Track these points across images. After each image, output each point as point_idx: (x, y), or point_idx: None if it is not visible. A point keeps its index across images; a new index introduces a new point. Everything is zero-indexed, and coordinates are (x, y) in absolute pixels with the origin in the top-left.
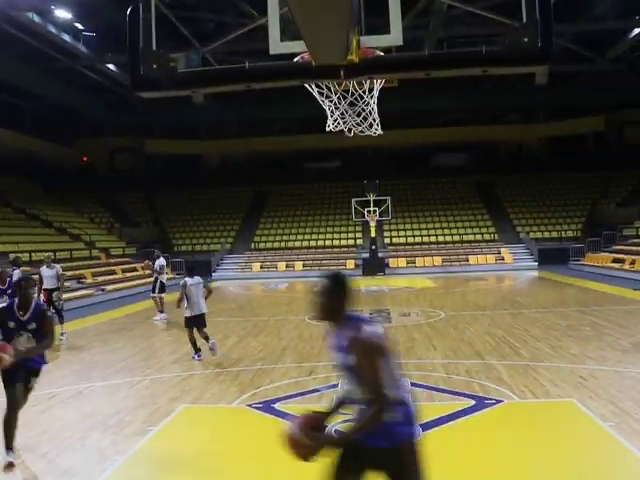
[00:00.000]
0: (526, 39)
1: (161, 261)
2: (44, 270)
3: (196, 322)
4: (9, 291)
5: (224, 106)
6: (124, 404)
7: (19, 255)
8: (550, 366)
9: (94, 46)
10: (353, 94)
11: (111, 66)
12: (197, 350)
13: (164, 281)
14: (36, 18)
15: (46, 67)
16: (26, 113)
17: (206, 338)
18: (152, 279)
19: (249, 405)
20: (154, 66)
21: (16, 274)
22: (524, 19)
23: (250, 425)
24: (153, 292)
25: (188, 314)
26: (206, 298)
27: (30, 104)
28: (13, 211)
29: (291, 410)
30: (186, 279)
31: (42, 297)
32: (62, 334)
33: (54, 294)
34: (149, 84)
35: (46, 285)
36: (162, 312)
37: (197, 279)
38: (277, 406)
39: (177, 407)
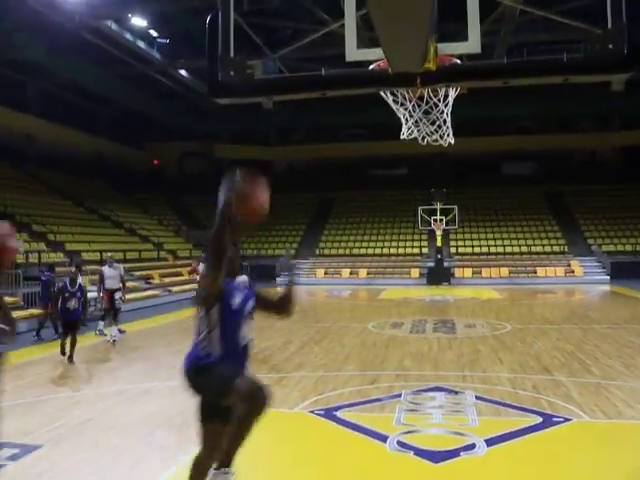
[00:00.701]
0: (611, 45)
1: None
2: (106, 270)
3: None
4: (79, 294)
5: (293, 112)
6: (188, 404)
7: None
8: (623, 385)
9: (167, 52)
10: (428, 102)
11: (183, 72)
12: None
13: None
14: (114, 26)
15: (121, 73)
16: (100, 117)
17: None
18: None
19: (311, 411)
20: (231, 73)
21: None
22: (609, 24)
23: (312, 431)
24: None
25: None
26: None
27: (104, 108)
28: (86, 211)
29: (353, 418)
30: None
31: (104, 297)
32: (119, 331)
33: (116, 294)
34: (226, 90)
35: (108, 285)
36: None
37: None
38: (339, 413)
39: None
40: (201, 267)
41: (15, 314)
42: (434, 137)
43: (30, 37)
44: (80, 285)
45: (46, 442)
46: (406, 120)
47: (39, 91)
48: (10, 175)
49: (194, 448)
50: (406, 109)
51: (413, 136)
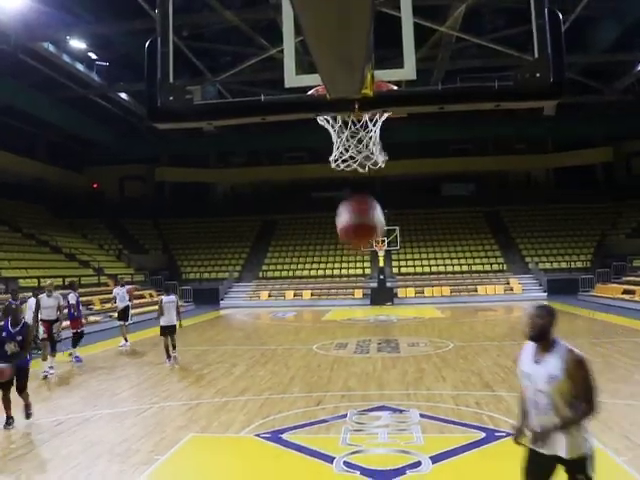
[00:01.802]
0: (538, 74)
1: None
2: (44, 299)
3: (169, 331)
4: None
5: (234, 135)
6: (131, 432)
7: (74, 280)
8: None
9: (107, 75)
10: (355, 124)
11: (123, 95)
12: (168, 356)
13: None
14: (51, 48)
15: (60, 96)
16: (39, 140)
17: (174, 346)
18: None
19: (257, 435)
20: (170, 98)
21: (71, 297)
22: (535, 54)
23: (258, 455)
24: (128, 320)
25: (163, 324)
26: (177, 313)
27: (43, 131)
28: (23, 236)
29: (299, 440)
30: (162, 297)
31: (42, 328)
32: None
33: (54, 326)
34: (166, 116)
35: (45, 316)
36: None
37: (172, 297)
38: (285, 436)
39: (185, 436)
40: (117, 290)
41: None
42: (363, 161)
43: None
44: (25, 323)
45: None
46: (337, 146)
47: None
48: None
49: (137, 477)
50: (339, 136)
51: (343, 164)
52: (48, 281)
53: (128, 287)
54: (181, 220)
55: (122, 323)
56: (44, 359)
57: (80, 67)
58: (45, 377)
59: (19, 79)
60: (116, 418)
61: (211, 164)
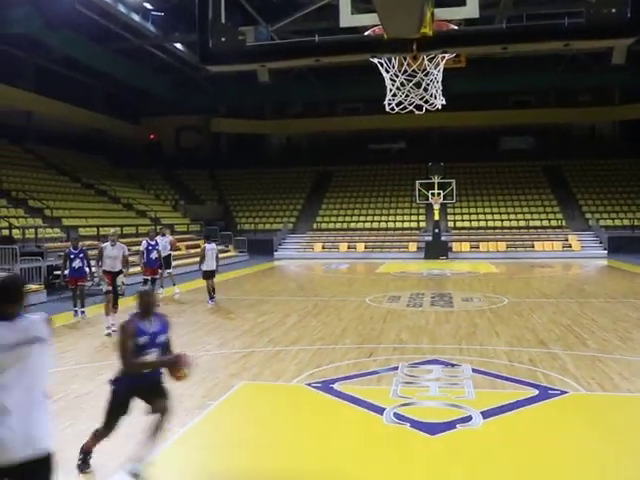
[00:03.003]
0: (614, 9)
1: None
2: (108, 248)
3: (210, 275)
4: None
5: (289, 86)
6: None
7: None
8: (620, 359)
9: (162, 26)
10: (415, 73)
11: (178, 45)
12: (211, 297)
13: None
14: None
15: (116, 47)
16: (96, 91)
17: (213, 289)
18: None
19: (308, 384)
20: (223, 39)
21: (162, 240)
22: None
23: (308, 404)
24: (170, 268)
25: (205, 268)
26: (217, 260)
27: (100, 83)
28: (82, 186)
29: (350, 391)
30: (205, 244)
31: (105, 280)
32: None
33: (118, 278)
34: (218, 58)
35: (108, 267)
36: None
37: (213, 245)
38: (336, 386)
39: (236, 383)
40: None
41: None
42: (423, 104)
43: (25, 12)
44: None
45: None
46: (391, 89)
47: (35, 67)
48: (8, 152)
49: (190, 421)
50: (392, 80)
51: (397, 103)
52: (112, 230)
53: (170, 238)
54: (236, 171)
55: (169, 271)
56: (107, 313)
57: (136, 17)
58: (109, 335)
59: (77, 31)
60: None
61: (266, 115)
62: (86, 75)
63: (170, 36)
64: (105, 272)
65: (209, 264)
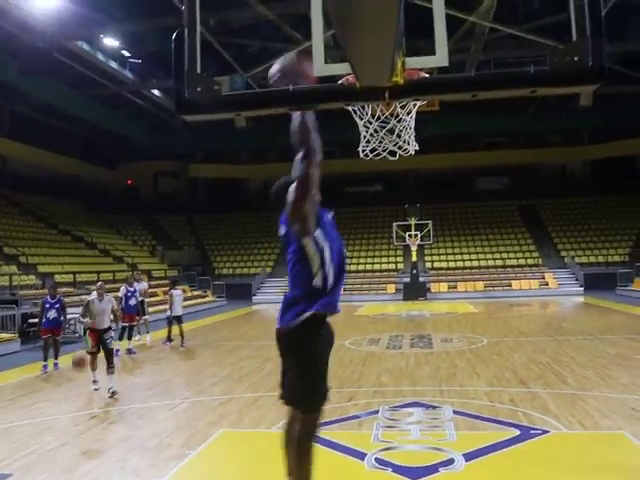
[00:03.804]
0: (576, 58)
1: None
2: (94, 303)
3: (179, 320)
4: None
5: (265, 131)
6: (163, 427)
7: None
8: (599, 396)
9: (140, 72)
10: (388, 119)
11: (156, 92)
12: (169, 339)
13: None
14: (85, 46)
15: (94, 93)
16: (74, 138)
17: (182, 334)
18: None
19: None
20: (198, 89)
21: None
22: (574, 37)
23: None
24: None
25: (174, 314)
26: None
27: (78, 129)
28: (59, 232)
29: (330, 436)
30: (172, 290)
31: (89, 340)
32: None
33: (107, 334)
34: (193, 107)
35: (96, 324)
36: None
37: (179, 291)
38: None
39: (216, 431)
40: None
41: None
42: (397, 149)
43: (2, 58)
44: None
45: (16, 470)
46: (364, 136)
47: (12, 112)
48: None
49: (169, 471)
50: (368, 126)
51: (374, 151)
52: (98, 283)
53: (145, 285)
54: (214, 216)
55: (145, 318)
56: (93, 368)
57: (113, 65)
58: (97, 390)
59: (54, 77)
60: (148, 413)
61: (244, 160)
62: (63, 121)
63: (147, 83)
64: (90, 330)
65: (177, 309)
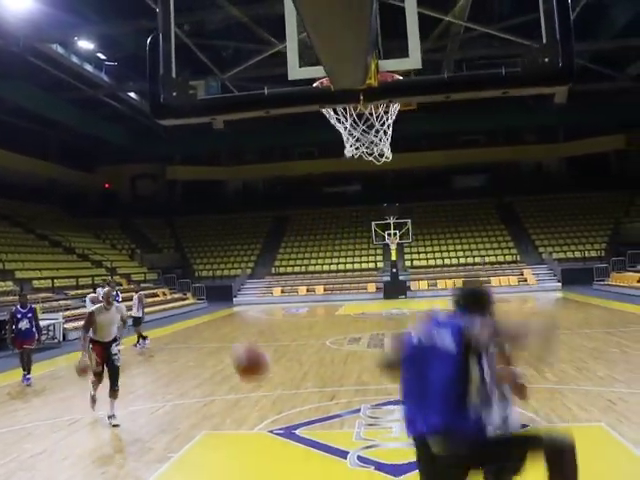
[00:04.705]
0: (547, 59)
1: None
2: (101, 313)
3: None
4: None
5: (244, 132)
6: (145, 430)
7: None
8: (577, 389)
9: (116, 75)
10: (368, 119)
11: (132, 94)
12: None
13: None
14: (60, 49)
15: (70, 96)
16: (50, 141)
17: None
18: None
19: (270, 431)
20: (174, 93)
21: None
22: (544, 39)
23: (271, 451)
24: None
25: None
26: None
27: (54, 132)
28: (37, 237)
29: (313, 436)
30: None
31: (95, 357)
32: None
33: (113, 347)
34: (169, 111)
35: (100, 336)
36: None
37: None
38: (299, 432)
39: (198, 433)
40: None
41: None
42: (374, 154)
43: None
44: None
45: None
46: (347, 138)
47: None
48: None
49: (150, 475)
50: (345, 128)
51: (356, 153)
52: (105, 288)
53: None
54: (193, 218)
55: None
56: (94, 388)
57: (89, 68)
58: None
59: (29, 81)
60: (130, 416)
61: (222, 161)
62: (39, 124)
63: (124, 85)
64: (95, 344)
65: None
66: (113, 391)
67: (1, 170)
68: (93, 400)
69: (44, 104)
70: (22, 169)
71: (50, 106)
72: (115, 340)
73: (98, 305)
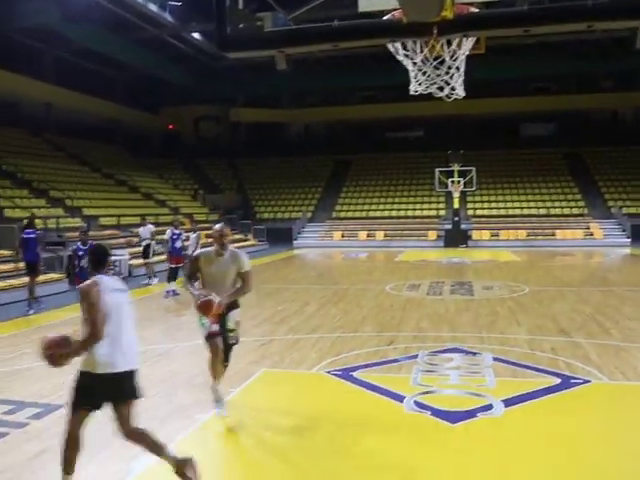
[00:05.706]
0: None
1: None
2: (212, 259)
3: None
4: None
5: (307, 74)
6: (208, 365)
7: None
8: None
9: (180, 15)
10: (439, 56)
11: (196, 35)
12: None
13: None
14: None
15: (134, 37)
16: (115, 82)
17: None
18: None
19: (328, 372)
20: (240, 26)
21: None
22: None
23: (328, 391)
24: (148, 258)
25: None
26: None
27: (119, 73)
28: (103, 177)
29: (370, 379)
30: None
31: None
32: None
33: (232, 314)
34: (235, 44)
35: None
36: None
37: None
38: (356, 374)
39: (257, 370)
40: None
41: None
42: (444, 92)
43: (43, 4)
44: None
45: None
46: (416, 74)
47: (55, 58)
48: (29, 143)
49: (213, 407)
50: (415, 64)
51: (424, 90)
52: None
53: (151, 226)
54: (255, 160)
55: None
56: (214, 376)
57: (153, 7)
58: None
59: (96, 22)
60: (195, 351)
61: (284, 104)
62: (104, 66)
63: (188, 26)
64: (204, 304)
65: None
66: (224, 364)
67: (68, 111)
68: (214, 376)
69: (110, 46)
70: (89, 110)
71: (115, 47)
72: (233, 306)
73: (205, 250)
